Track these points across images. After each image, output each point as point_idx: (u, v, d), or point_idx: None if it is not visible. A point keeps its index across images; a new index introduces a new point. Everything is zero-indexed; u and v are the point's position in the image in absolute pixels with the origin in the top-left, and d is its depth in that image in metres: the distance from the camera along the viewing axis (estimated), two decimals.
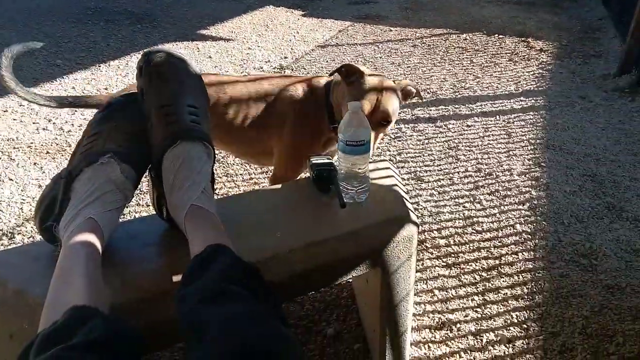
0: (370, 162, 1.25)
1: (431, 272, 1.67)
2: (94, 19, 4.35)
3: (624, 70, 3.26)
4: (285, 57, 3.72)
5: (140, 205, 1.96)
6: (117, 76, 3.23)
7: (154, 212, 0.98)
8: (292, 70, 3.47)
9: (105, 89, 3.04)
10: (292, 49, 3.93)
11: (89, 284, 0.68)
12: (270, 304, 0.65)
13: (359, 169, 1.10)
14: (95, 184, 0.84)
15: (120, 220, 0.93)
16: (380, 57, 3.74)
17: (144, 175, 0.96)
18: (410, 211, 1.12)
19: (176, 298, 0.67)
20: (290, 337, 0.59)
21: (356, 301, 1.51)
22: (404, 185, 2.12)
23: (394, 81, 1.44)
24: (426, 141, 2.54)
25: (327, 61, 3.64)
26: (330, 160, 1.18)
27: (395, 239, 1.08)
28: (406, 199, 1.16)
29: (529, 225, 1.89)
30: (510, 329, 1.45)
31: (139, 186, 1.02)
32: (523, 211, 1.97)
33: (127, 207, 1.94)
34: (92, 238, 0.77)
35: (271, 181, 1.62)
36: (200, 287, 0.65)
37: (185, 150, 0.88)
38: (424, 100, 3.01)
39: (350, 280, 1.56)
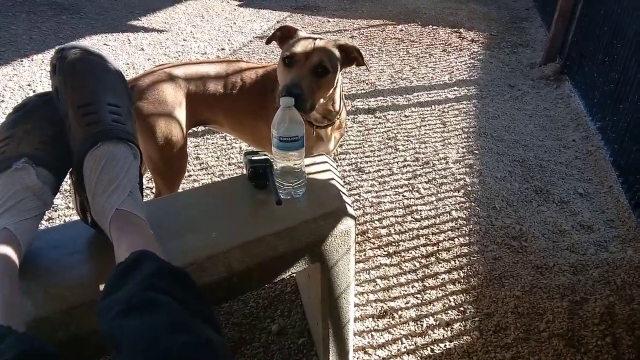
0: (306, 157, 1.25)
1: (373, 262, 1.69)
2: (15, 10, 4.06)
3: (549, 59, 3.44)
4: (223, 49, 3.64)
5: (70, 209, 1.86)
6: (41, 71, 3.04)
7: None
8: None
9: (29, 85, 2.85)
10: (229, 40, 3.84)
11: (2, 300, 0.63)
12: (199, 310, 0.63)
13: (295, 164, 1.09)
14: (10, 191, 0.78)
15: (48, 226, 0.87)
16: None
17: (65, 179, 0.91)
18: (347, 205, 1.12)
19: (97, 311, 0.64)
20: (217, 343, 0.57)
21: (300, 295, 1.51)
22: (344, 178, 2.15)
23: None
24: (366, 132, 2.57)
25: (265, 52, 3.59)
26: (266, 157, 1.16)
27: (332, 233, 1.08)
28: (343, 193, 1.17)
29: (464, 211, 1.96)
30: (448, 313, 1.50)
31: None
32: (458, 198, 2.04)
33: (56, 211, 1.84)
34: (7, 250, 0.71)
35: None
36: (120, 298, 0.62)
37: (107, 152, 0.83)
38: (364, 91, 3.05)
39: (294, 275, 1.55)
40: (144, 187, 2.01)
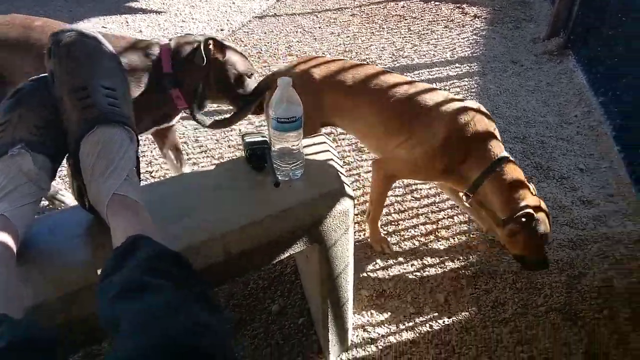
0: (304, 138, 1.25)
1: None
2: None
3: (553, 34, 3.38)
4: (222, 30, 3.61)
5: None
6: None
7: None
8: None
9: None
10: (228, 20, 3.80)
11: None
12: (195, 292, 0.64)
13: (292, 145, 1.09)
14: (6, 178, 0.79)
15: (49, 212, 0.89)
16: (320, 27, 3.70)
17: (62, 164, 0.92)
18: (345, 185, 1.13)
19: (95, 294, 0.65)
20: (213, 325, 0.59)
21: (300, 276, 1.53)
22: (343, 158, 2.15)
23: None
24: None
25: (264, 32, 3.56)
26: (264, 138, 1.17)
27: (331, 213, 1.09)
28: (341, 173, 1.17)
29: None
30: (447, 289, 1.52)
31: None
32: None
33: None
34: (3, 237, 0.72)
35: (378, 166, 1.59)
36: (117, 281, 0.63)
37: (104, 136, 0.84)
38: None
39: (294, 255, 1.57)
40: (145, 171, 2.03)
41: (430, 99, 1.48)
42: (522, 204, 1.37)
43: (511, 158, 1.44)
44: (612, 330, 1.36)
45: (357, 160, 2.16)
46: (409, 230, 1.76)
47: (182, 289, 0.63)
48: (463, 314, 1.43)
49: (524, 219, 1.35)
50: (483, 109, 1.50)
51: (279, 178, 1.08)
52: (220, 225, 0.97)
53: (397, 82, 1.53)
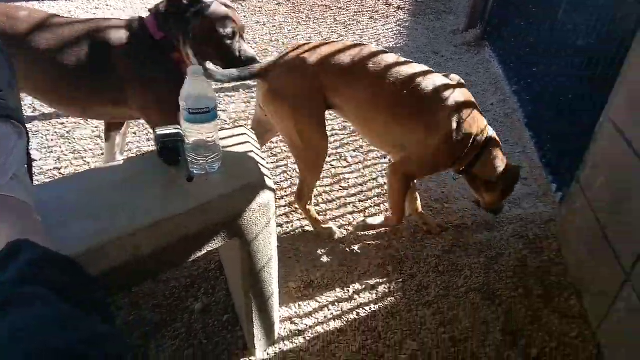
0: (225, 129, 1.21)
1: (299, 232, 1.69)
2: None
3: (471, 25, 3.52)
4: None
5: None
6: None
7: None
8: None
9: None
10: (146, 7, 3.61)
11: None
12: (85, 300, 0.58)
13: (208, 137, 1.04)
14: None
15: None
16: (245, 16, 3.62)
17: None
18: (265, 177, 1.10)
19: None
20: (103, 336, 0.54)
21: (225, 272, 1.49)
22: (271, 149, 2.11)
23: None
24: None
25: None
26: (178, 131, 1.11)
27: (250, 207, 1.05)
28: (262, 165, 1.14)
29: None
30: (373, 277, 1.53)
31: None
32: (384, 164, 2.07)
33: None
34: None
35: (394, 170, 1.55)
36: None
37: None
38: None
39: (218, 251, 1.52)
40: (53, 168, 1.89)
41: (433, 85, 1.45)
42: (508, 162, 1.58)
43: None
44: (526, 307, 1.43)
45: (285, 151, 2.14)
46: (337, 219, 1.76)
47: (70, 298, 0.57)
48: (389, 299, 1.45)
49: (515, 173, 1.57)
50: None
51: (194, 172, 1.03)
52: (130, 224, 0.91)
53: (398, 65, 1.46)
